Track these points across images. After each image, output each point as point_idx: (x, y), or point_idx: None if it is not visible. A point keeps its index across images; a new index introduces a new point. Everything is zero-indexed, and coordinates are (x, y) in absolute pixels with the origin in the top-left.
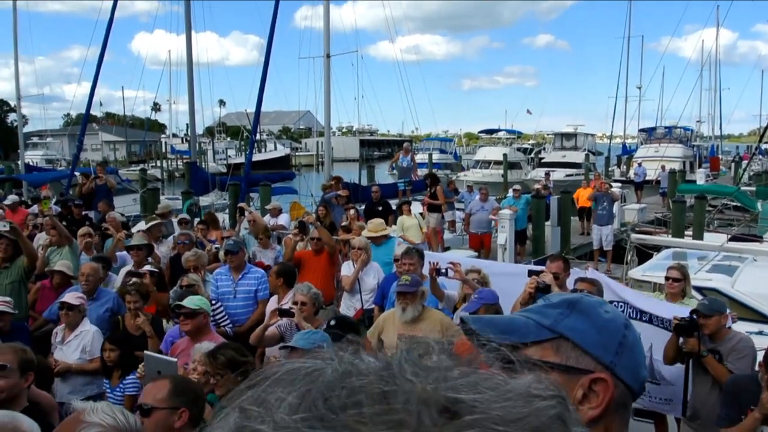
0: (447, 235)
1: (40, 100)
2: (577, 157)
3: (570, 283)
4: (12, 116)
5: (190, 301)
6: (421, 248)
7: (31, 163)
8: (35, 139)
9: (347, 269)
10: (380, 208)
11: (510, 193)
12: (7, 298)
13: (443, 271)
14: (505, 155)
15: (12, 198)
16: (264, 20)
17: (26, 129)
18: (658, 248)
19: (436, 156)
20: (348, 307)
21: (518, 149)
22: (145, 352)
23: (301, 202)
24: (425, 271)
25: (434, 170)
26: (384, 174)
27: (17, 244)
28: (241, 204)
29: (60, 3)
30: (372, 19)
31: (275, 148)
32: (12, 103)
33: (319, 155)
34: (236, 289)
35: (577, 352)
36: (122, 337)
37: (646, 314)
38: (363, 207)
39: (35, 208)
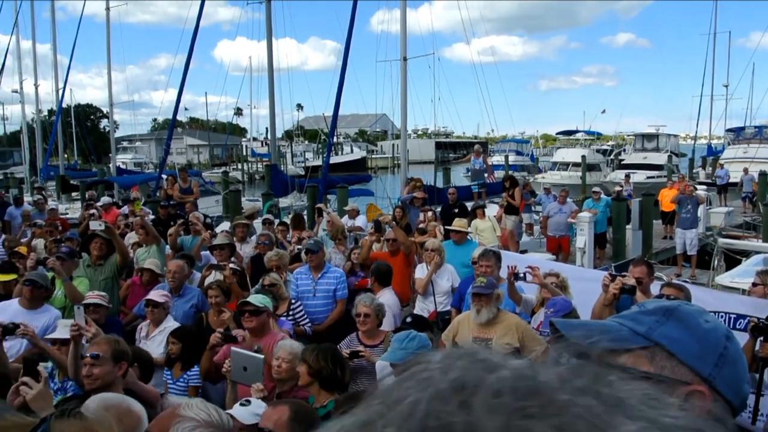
0: (524, 238)
1: (130, 107)
2: (659, 158)
3: (654, 289)
4: (104, 122)
5: (255, 299)
6: (498, 251)
7: (121, 166)
8: (125, 144)
9: (421, 272)
10: (456, 210)
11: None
12: (103, 293)
13: (521, 275)
14: (583, 157)
15: (105, 199)
16: (342, 25)
17: (117, 134)
18: (747, 253)
19: (512, 158)
20: (421, 309)
21: (597, 151)
22: (232, 348)
23: (378, 204)
24: (503, 274)
25: (511, 172)
26: (459, 176)
27: (111, 243)
28: (320, 205)
29: (149, 14)
30: (448, 21)
31: (351, 151)
32: (105, 110)
33: (395, 157)
34: (316, 288)
35: (673, 362)
36: (185, 332)
37: (744, 318)
38: (439, 209)
39: (126, 209)
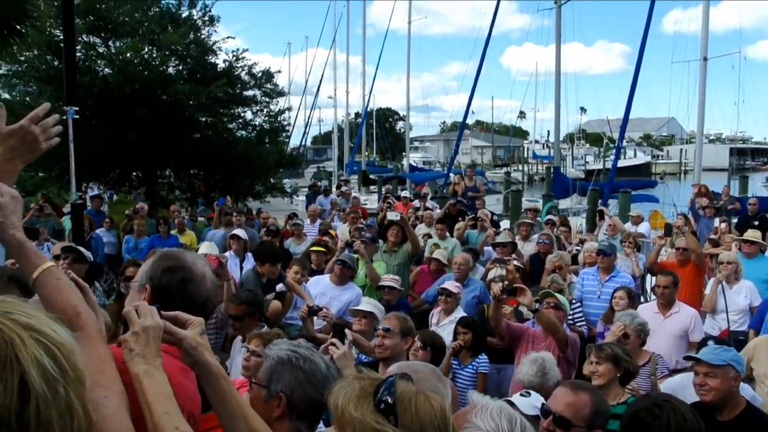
0: None
1: (424, 110)
2: None
3: None
4: (400, 124)
5: (560, 298)
6: None
7: (412, 164)
8: (416, 144)
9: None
10: (756, 223)
11: None
12: (396, 277)
13: None
14: None
15: (404, 193)
16: (631, 28)
17: (410, 135)
18: None
19: None
20: (711, 326)
21: None
22: None
23: (663, 211)
24: None
25: None
26: (758, 185)
27: (405, 232)
28: (602, 208)
29: (444, 25)
30: (753, 17)
31: (635, 155)
32: (401, 113)
33: (683, 163)
34: (602, 290)
35: None
36: (472, 321)
37: None
38: (735, 220)
39: (417, 203)
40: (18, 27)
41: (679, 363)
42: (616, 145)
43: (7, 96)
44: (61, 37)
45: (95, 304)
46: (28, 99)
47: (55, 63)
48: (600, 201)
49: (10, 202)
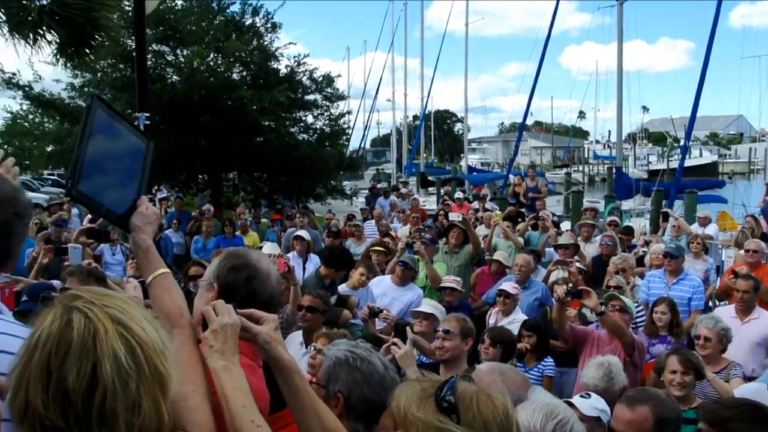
0: None
1: (482, 111)
2: None
3: None
4: (458, 126)
5: (627, 300)
6: None
7: (470, 165)
8: (474, 145)
9: None
10: None
11: None
12: (458, 278)
13: None
14: None
15: (459, 195)
16: (695, 24)
17: (468, 136)
18: None
19: None
20: None
21: None
22: None
23: (732, 212)
24: None
25: None
26: None
27: (466, 234)
28: (666, 209)
29: (501, 26)
30: None
31: (700, 155)
32: (459, 115)
33: (752, 162)
34: (669, 293)
35: None
36: (536, 324)
37: None
38: None
39: (476, 204)
40: (91, 41)
41: (756, 371)
42: (680, 144)
43: (82, 104)
44: (133, 47)
45: None
46: None
47: (128, 71)
48: (665, 202)
49: (152, 214)
